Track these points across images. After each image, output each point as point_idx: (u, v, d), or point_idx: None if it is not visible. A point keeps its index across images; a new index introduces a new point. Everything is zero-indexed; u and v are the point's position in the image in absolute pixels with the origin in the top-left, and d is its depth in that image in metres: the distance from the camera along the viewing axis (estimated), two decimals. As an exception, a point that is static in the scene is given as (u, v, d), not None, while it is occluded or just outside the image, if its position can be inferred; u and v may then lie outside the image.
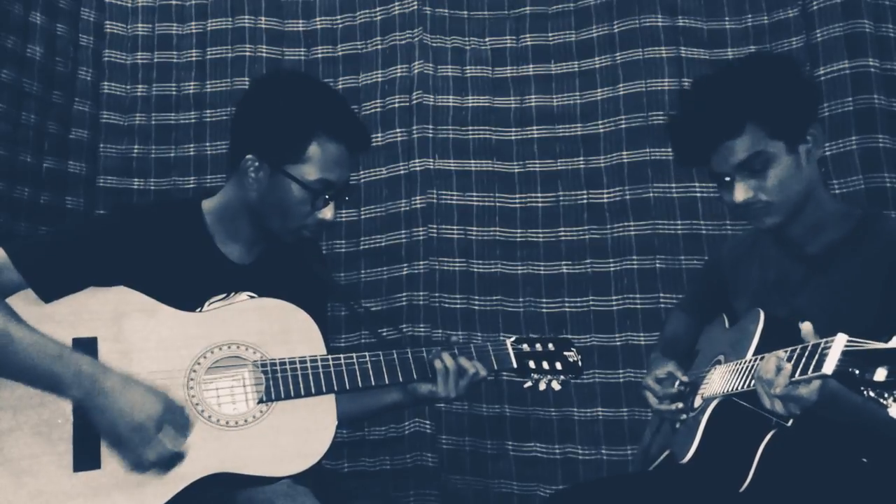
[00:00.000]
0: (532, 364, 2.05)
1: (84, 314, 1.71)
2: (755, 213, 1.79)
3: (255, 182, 1.84)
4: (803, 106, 1.78)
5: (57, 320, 1.67)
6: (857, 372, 1.27)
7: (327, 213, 1.86)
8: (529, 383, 2.08)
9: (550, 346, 2.10)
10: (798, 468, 1.67)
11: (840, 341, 1.33)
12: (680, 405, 1.94)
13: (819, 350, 1.38)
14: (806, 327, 1.45)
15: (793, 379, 1.44)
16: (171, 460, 1.61)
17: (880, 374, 1.24)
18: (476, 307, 3.10)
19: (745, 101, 1.74)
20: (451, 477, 3.03)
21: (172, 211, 1.90)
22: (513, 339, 2.08)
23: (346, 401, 1.98)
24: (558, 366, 2.08)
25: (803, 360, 1.43)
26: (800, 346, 1.45)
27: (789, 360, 1.46)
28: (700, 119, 1.81)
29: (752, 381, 1.57)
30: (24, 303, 1.67)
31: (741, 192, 1.75)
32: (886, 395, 1.23)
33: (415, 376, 1.92)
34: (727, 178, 1.78)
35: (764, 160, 1.73)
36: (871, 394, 1.24)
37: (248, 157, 1.83)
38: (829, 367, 1.33)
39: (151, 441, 1.57)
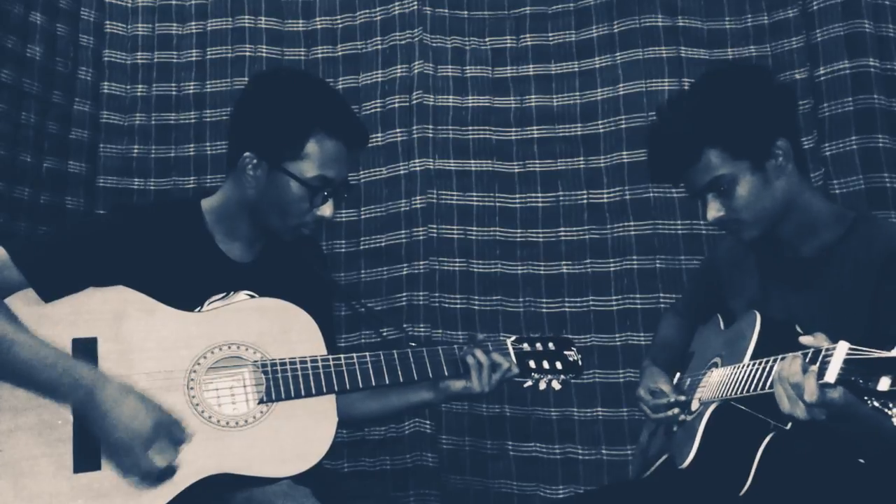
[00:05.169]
0: (532, 364, 2.05)
1: (84, 314, 1.71)
2: (730, 230, 1.84)
3: (254, 180, 1.84)
4: (766, 123, 1.77)
5: (56, 320, 1.68)
6: (860, 381, 1.24)
7: (326, 210, 1.86)
8: (530, 383, 2.07)
9: (551, 345, 2.10)
10: (797, 471, 1.66)
11: (842, 349, 1.30)
12: (676, 410, 1.94)
13: (820, 358, 1.36)
14: (806, 340, 1.44)
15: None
16: (160, 475, 1.59)
17: (884, 384, 1.21)
18: (476, 307, 3.10)
19: (699, 128, 1.76)
20: (451, 477, 3.03)
21: (172, 210, 1.90)
22: (513, 338, 2.08)
23: (370, 400, 1.99)
24: (558, 365, 2.07)
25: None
26: (800, 352, 1.43)
27: None
28: (658, 149, 1.87)
29: (765, 384, 1.54)
30: (24, 302, 1.67)
31: (712, 211, 1.80)
32: (891, 405, 1.21)
33: (415, 376, 1.91)
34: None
35: (728, 181, 1.76)
36: (876, 403, 1.22)
37: (246, 154, 1.82)
38: (831, 375, 1.30)
39: (139, 458, 1.56)
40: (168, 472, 1.60)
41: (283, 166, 1.81)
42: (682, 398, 1.95)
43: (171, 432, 1.59)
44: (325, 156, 1.82)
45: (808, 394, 1.37)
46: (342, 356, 1.85)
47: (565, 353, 2.10)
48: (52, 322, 1.67)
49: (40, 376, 1.58)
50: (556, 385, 2.07)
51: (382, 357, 1.89)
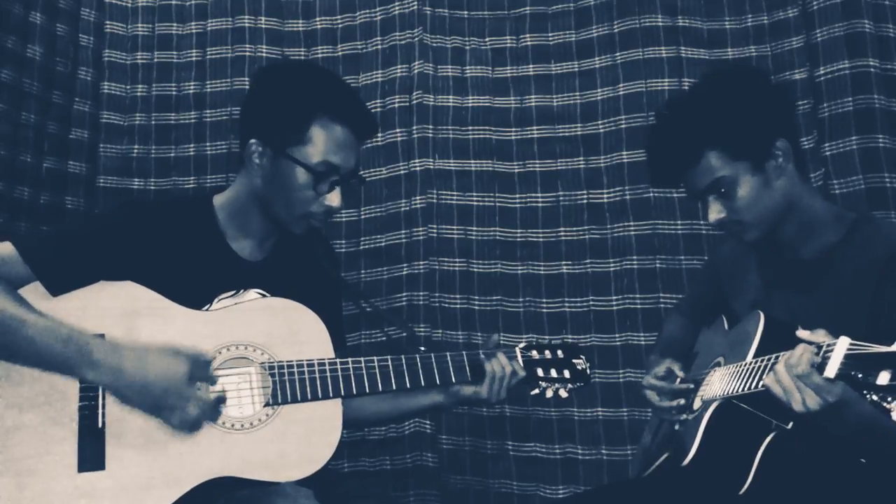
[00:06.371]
0: (540, 372, 2.02)
1: (91, 309, 1.70)
2: (732, 231, 1.84)
3: (260, 168, 1.82)
4: (765, 123, 1.78)
5: (64, 315, 1.66)
6: (859, 375, 1.26)
7: (334, 199, 1.82)
8: (537, 391, 2.03)
9: (559, 353, 2.06)
10: (798, 470, 1.67)
11: (842, 345, 1.32)
12: (682, 401, 1.94)
13: (821, 353, 1.38)
14: (803, 334, 1.45)
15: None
16: (215, 406, 1.64)
17: (883, 378, 1.23)
18: (476, 307, 3.10)
19: (699, 130, 1.77)
20: (451, 477, 3.03)
21: (184, 207, 1.89)
22: (522, 345, 2.04)
23: (380, 402, 1.99)
24: (567, 374, 2.03)
25: None
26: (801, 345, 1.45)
27: None
28: (658, 152, 1.88)
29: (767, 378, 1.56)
30: (32, 297, 1.67)
31: (713, 213, 1.81)
32: (890, 400, 1.23)
33: (423, 382, 1.88)
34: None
35: (728, 183, 1.76)
36: (874, 398, 1.24)
37: (252, 141, 1.82)
38: (831, 370, 1.32)
39: (190, 397, 1.61)
40: (221, 402, 1.67)
41: (287, 152, 1.79)
42: (683, 376, 1.96)
43: (201, 366, 1.65)
44: (329, 141, 1.79)
45: (809, 374, 1.40)
46: (350, 360, 1.83)
47: (574, 361, 2.05)
48: (60, 317, 1.65)
49: (54, 353, 1.59)
50: (563, 393, 2.03)
51: (390, 362, 1.86)
